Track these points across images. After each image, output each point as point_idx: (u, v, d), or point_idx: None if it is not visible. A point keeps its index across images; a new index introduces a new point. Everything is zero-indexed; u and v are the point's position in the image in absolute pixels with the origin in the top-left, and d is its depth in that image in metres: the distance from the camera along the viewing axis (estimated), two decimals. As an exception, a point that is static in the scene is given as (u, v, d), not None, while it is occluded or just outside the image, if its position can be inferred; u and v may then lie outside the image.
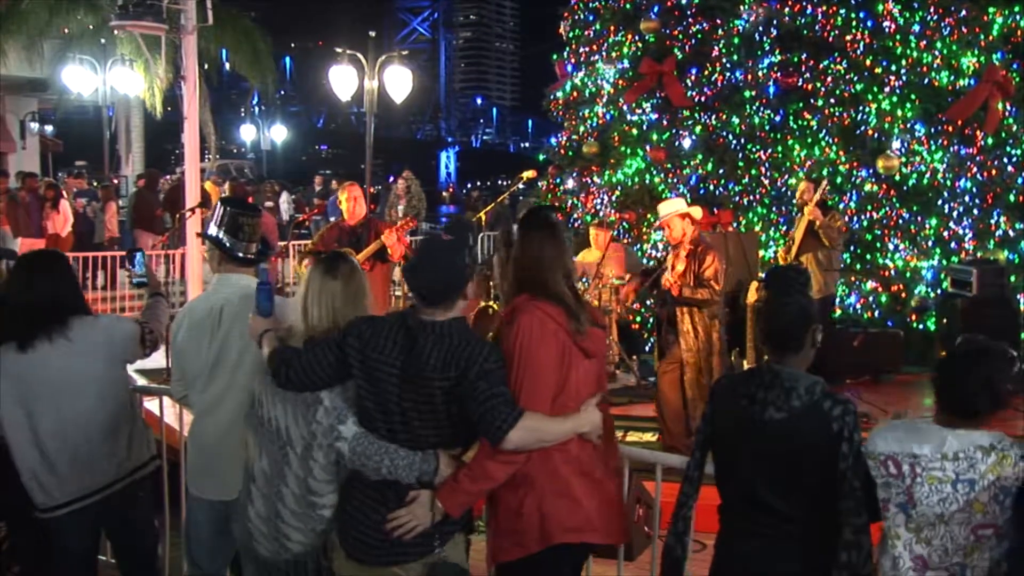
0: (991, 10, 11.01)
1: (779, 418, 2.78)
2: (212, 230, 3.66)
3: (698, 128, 11.31)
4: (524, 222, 3.12)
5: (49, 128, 24.30)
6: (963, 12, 10.82)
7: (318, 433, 3.03)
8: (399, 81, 14.87)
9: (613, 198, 11.64)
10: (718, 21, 11.43)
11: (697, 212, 6.93)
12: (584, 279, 9.33)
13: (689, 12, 11.64)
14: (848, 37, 10.67)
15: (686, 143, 11.38)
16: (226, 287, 3.65)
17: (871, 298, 9.99)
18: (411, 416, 2.89)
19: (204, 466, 3.64)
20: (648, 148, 11.53)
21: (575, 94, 13.02)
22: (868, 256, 10.16)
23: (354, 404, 3.01)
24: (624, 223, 11.18)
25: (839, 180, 10.24)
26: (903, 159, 10.30)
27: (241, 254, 3.64)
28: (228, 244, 3.64)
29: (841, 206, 10.05)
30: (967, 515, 2.57)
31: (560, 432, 2.93)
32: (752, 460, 2.85)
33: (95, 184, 21.08)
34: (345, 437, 2.94)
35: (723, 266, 6.79)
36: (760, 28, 11.19)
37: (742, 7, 11.27)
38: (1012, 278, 9.71)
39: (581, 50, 12.99)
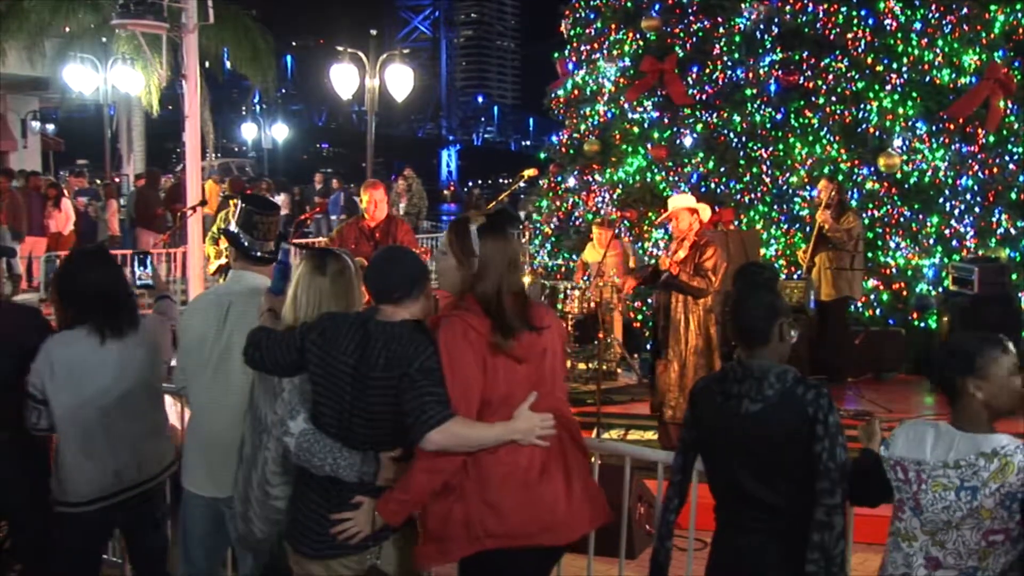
0: (992, 8, 10.99)
1: (755, 410, 2.80)
2: (232, 227, 3.70)
3: (699, 126, 11.31)
4: (486, 230, 3.00)
5: (50, 127, 24.33)
6: (964, 10, 10.80)
7: (273, 425, 3.11)
8: (400, 79, 14.86)
9: (614, 196, 11.64)
10: (719, 19, 11.43)
11: (706, 211, 7.02)
12: (586, 277, 9.35)
13: (690, 10, 11.64)
14: (849, 35, 10.67)
15: (687, 141, 11.38)
16: (237, 284, 3.68)
17: (872, 296, 9.98)
18: (359, 415, 2.95)
19: (203, 462, 3.63)
20: (649, 146, 11.54)
21: (576, 92, 13.02)
22: (869, 254, 10.14)
23: (309, 400, 3.07)
24: (625, 221, 11.19)
25: (840, 178, 10.23)
26: (904, 157, 10.29)
27: (256, 253, 3.66)
28: (245, 243, 3.65)
29: (850, 204, 10.03)
30: (976, 521, 2.56)
31: (485, 438, 2.90)
32: (736, 456, 2.87)
33: (98, 183, 21.10)
34: (292, 433, 3.00)
35: (724, 263, 6.83)
36: (761, 26, 11.18)
37: (743, 5, 11.26)
38: (1014, 276, 9.69)
39: (582, 48, 12.99)
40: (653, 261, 9.55)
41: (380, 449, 2.96)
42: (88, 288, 3.72)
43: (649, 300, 9.63)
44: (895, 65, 10.57)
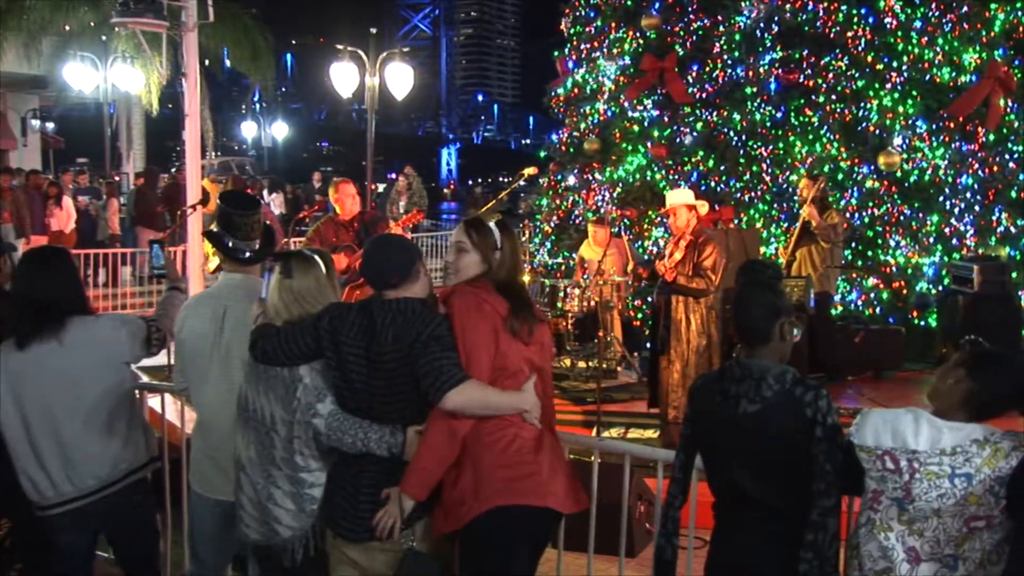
0: (992, 6, 10.99)
1: (753, 410, 2.80)
2: (215, 227, 3.66)
3: (699, 124, 11.31)
4: (504, 230, 3.24)
5: (50, 125, 24.29)
6: (964, 8, 10.79)
7: (298, 411, 3.15)
8: (400, 78, 14.85)
9: (614, 195, 11.64)
10: (719, 17, 11.43)
11: (703, 207, 7.00)
12: (585, 275, 9.34)
13: (690, 8, 11.64)
14: (849, 33, 10.66)
15: (687, 139, 11.38)
16: (229, 288, 3.64)
17: (872, 295, 9.98)
18: (378, 394, 3.07)
19: (211, 465, 3.62)
20: (649, 144, 11.53)
21: (576, 90, 13.02)
22: (869, 253, 10.15)
23: (332, 384, 3.17)
24: (625, 220, 11.19)
25: (840, 177, 10.23)
26: (904, 155, 10.29)
27: (243, 254, 3.62)
28: (230, 244, 3.61)
29: (842, 203, 10.04)
30: (961, 508, 2.57)
31: (501, 403, 3.06)
32: (734, 455, 2.87)
33: (101, 181, 21.08)
34: (321, 414, 3.11)
35: (723, 260, 6.81)
36: (761, 24, 11.18)
37: (743, 3, 11.26)
38: (1013, 274, 9.69)
39: (582, 46, 12.99)
40: (649, 259, 9.55)
41: (405, 424, 3.07)
42: (16, 291, 3.69)
43: (649, 299, 9.63)
44: (895, 63, 10.56)
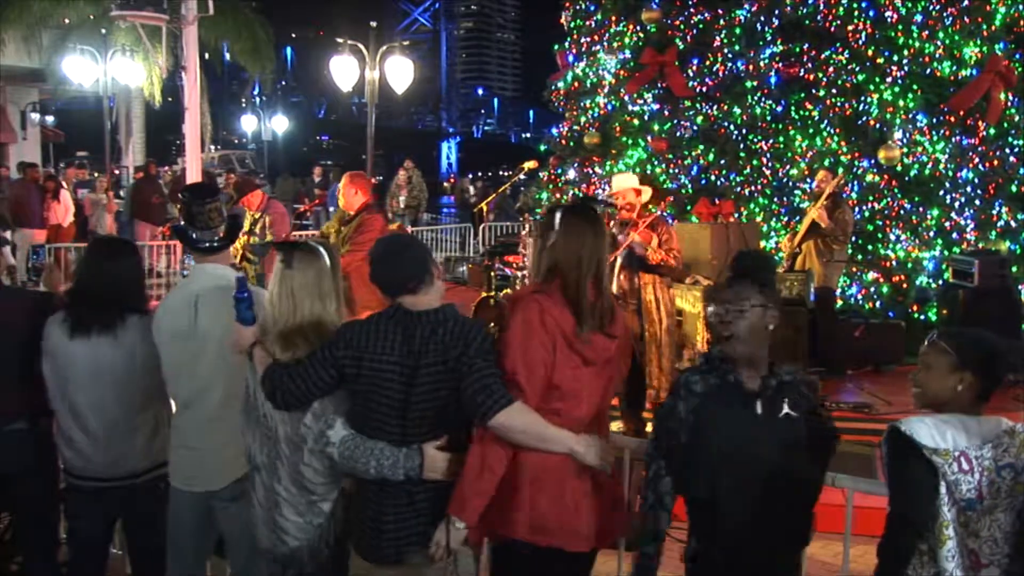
0: (993, 0, 10.97)
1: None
2: (181, 222, 3.68)
3: (699, 118, 11.30)
4: (570, 212, 3.03)
5: (50, 118, 24.24)
6: (965, 2, 10.77)
7: (308, 438, 3.03)
8: (400, 71, 14.83)
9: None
10: (719, 11, 11.42)
11: (647, 193, 6.73)
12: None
13: (690, 2, 11.65)
14: (850, 27, 10.65)
15: (687, 133, 11.37)
16: (200, 277, 3.62)
17: (872, 289, 9.98)
18: (423, 408, 2.89)
19: (188, 458, 3.58)
20: (649, 138, 11.54)
21: (576, 84, 13.02)
22: (870, 247, 10.14)
23: (343, 404, 3.01)
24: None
25: (840, 170, 10.23)
26: (905, 149, 10.28)
27: (205, 244, 3.62)
28: (194, 236, 3.61)
29: (843, 197, 10.03)
30: (1011, 499, 2.55)
31: (549, 436, 2.87)
32: None
33: (97, 175, 21.07)
34: (333, 442, 2.96)
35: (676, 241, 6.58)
36: (762, 18, 11.17)
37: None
38: (1014, 269, 9.69)
39: (582, 40, 13.00)
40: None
41: (431, 439, 2.91)
42: (79, 277, 3.75)
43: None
44: (896, 57, 10.55)
